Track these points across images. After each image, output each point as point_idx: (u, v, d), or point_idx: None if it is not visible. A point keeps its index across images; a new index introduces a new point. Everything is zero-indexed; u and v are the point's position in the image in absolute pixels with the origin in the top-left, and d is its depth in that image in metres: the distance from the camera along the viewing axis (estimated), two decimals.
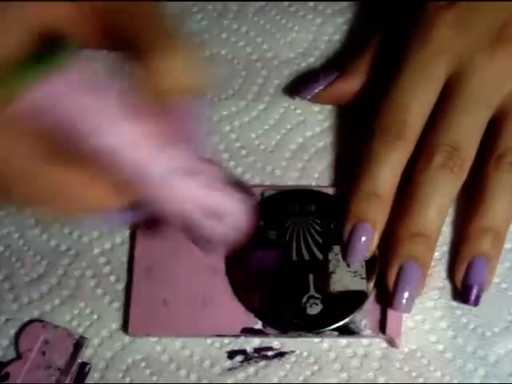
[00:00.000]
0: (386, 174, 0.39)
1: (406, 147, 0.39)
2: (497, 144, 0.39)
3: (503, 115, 0.40)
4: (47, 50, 0.26)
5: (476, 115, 0.39)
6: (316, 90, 0.43)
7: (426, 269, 0.39)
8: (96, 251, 0.43)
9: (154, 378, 0.40)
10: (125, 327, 0.40)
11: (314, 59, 0.47)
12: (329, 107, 0.45)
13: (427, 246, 0.39)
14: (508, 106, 0.40)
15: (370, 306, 0.40)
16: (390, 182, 0.39)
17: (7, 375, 0.39)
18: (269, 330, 0.40)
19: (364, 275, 0.40)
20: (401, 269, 0.38)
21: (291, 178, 0.44)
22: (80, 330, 0.41)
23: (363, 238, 0.39)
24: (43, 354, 0.40)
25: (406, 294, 0.38)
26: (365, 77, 0.43)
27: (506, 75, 0.40)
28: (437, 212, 0.38)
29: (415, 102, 0.40)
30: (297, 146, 0.45)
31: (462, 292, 0.39)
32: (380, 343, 0.40)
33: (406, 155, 0.40)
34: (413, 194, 0.39)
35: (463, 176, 0.39)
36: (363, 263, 0.40)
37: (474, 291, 0.38)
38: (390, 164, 0.39)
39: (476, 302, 0.38)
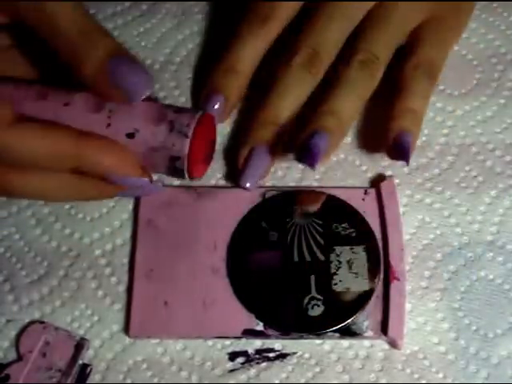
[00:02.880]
0: (247, 52, 0.43)
1: (269, 33, 0.43)
2: (354, 45, 0.43)
3: (364, 25, 0.43)
4: None
5: (339, 24, 0.43)
6: None
7: (273, 153, 0.42)
8: (97, 252, 0.43)
9: (155, 380, 0.39)
10: (126, 329, 0.40)
11: None
12: None
13: (276, 132, 0.42)
14: (369, 18, 0.44)
15: (372, 308, 0.40)
16: (250, 61, 0.43)
17: (8, 377, 0.39)
18: (270, 331, 0.40)
19: (366, 276, 0.40)
20: (251, 150, 0.41)
21: (293, 179, 0.44)
22: (81, 332, 0.41)
23: (216, 106, 0.43)
24: (44, 355, 0.39)
25: (253, 173, 0.41)
26: None
27: None
28: (290, 105, 0.42)
29: None
30: None
31: (300, 153, 0.39)
32: (382, 345, 0.40)
33: (269, 40, 0.44)
34: (272, 86, 0.42)
35: (319, 77, 0.43)
36: (365, 263, 0.40)
37: (313, 152, 0.39)
38: (252, 45, 0.43)
39: (312, 164, 0.39)
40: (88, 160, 0.35)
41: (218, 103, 0.43)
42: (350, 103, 0.41)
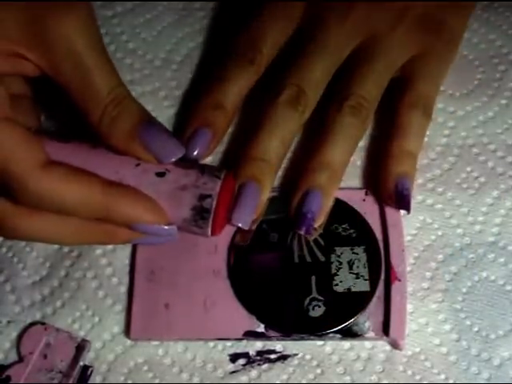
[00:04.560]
0: (234, 90, 0.43)
1: (256, 72, 0.44)
2: (342, 88, 0.43)
3: (352, 64, 0.44)
4: None
5: (325, 61, 0.43)
6: None
7: (264, 190, 0.40)
8: (98, 252, 0.43)
9: (156, 381, 0.39)
10: (126, 331, 0.40)
11: None
12: None
13: (267, 169, 0.41)
14: (356, 56, 0.44)
15: (373, 308, 0.40)
16: (235, 99, 0.44)
17: (9, 378, 0.39)
18: (271, 332, 0.40)
19: (367, 277, 0.40)
20: (241, 187, 0.40)
21: (293, 180, 0.44)
22: (82, 333, 0.41)
23: (204, 140, 0.42)
24: (45, 356, 0.39)
25: (244, 211, 0.39)
26: None
27: (358, 31, 0.44)
28: (278, 142, 0.41)
29: (272, 34, 0.45)
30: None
31: (295, 220, 0.40)
32: (383, 346, 0.40)
33: (255, 79, 0.44)
34: (260, 123, 0.42)
35: (306, 114, 0.43)
36: (366, 264, 0.40)
37: (307, 219, 0.40)
38: (239, 84, 0.44)
39: (307, 231, 0.40)
40: (117, 209, 0.35)
41: (207, 138, 0.42)
42: (342, 150, 0.41)
